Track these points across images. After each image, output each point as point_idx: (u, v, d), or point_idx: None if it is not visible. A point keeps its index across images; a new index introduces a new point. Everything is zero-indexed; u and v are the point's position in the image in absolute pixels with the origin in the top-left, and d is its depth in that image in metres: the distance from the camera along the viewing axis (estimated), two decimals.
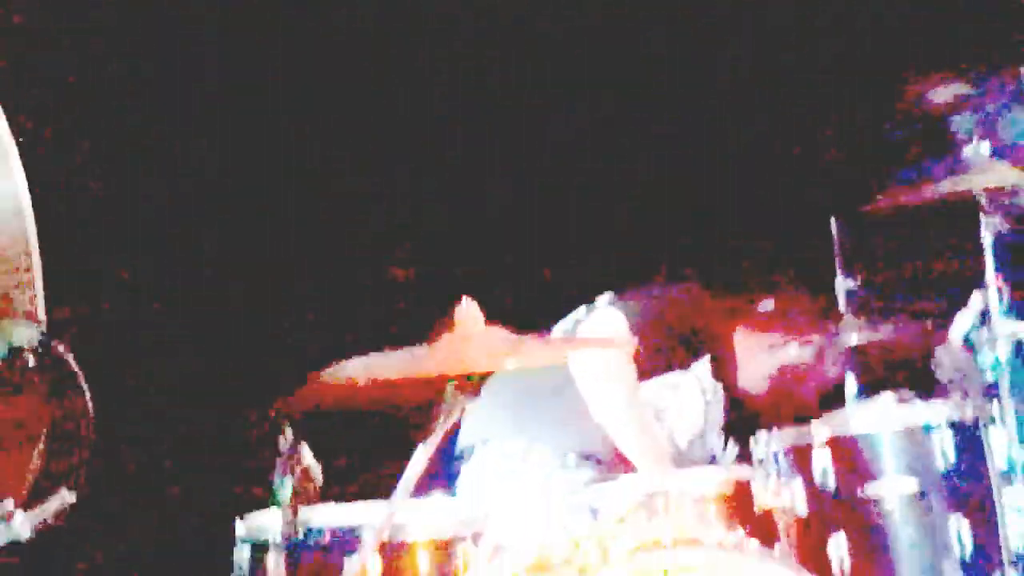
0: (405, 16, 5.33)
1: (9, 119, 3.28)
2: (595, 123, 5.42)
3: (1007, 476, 4.18)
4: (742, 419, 4.64)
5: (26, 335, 2.26)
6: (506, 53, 5.43)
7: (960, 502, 3.98)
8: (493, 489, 4.37)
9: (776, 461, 4.06)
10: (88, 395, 2.17)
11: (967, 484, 3.99)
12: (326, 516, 3.81)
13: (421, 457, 3.61)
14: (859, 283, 4.77)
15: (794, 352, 4.66)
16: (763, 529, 3.93)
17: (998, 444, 4.13)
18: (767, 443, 4.09)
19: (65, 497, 2.25)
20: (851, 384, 4.75)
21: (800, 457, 4.02)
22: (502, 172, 5.30)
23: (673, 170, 5.45)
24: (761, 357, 4.68)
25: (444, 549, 3.84)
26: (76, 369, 2.15)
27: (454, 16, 5.35)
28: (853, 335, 4.69)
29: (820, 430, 4.01)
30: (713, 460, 4.67)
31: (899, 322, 4.65)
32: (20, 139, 3.30)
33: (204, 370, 4.87)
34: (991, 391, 4.18)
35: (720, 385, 4.66)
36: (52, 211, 4.20)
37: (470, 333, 3.65)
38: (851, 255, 4.82)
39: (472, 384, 3.61)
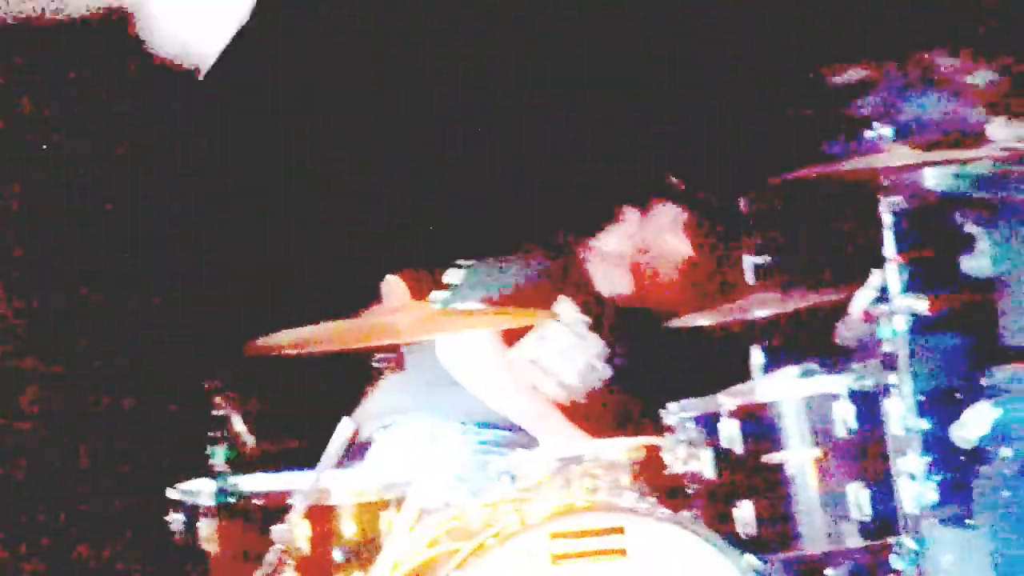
0: (405, 15, 5.39)
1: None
2: (595, 123, 5.51)
3: (902, 444, 4.34)
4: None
5: None
6: (506, 53, 5.50)
7: (859, 469, 4.18)
8: (408, 457, 4.51)
9: (685, 429, 4.24)
10: None
11: (866, 452, 4.20)
12: (256, 483, 3.94)
13: (347, 427, 3.76)
14: (766, 258, 4.92)
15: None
16: (673, 494, 4.11)
17: (895, 414, 4.31)
18: (677, 412, 4.27)
19: None
20: (757, 356, 4.92)
21: (709, 425, 4.20)
22: (501, 172, 5.39)
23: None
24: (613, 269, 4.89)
25: (368, 514, 3.97)
26: None
27: (454, 15, 5.43)
28: (759, 309, 4.86)
29: (728, 400, 4.19)
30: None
31: (802, 296, 4.82)
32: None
33: (139, 341, 4.93)
34: (889, 363, 4.33)
35: (585, 318, 4.85)
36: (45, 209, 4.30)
37: (396, 307, 3.79)
38: (759, 231, 4.97)
39: (396, 357, 3.75)
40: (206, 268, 5.08)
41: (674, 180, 4.97)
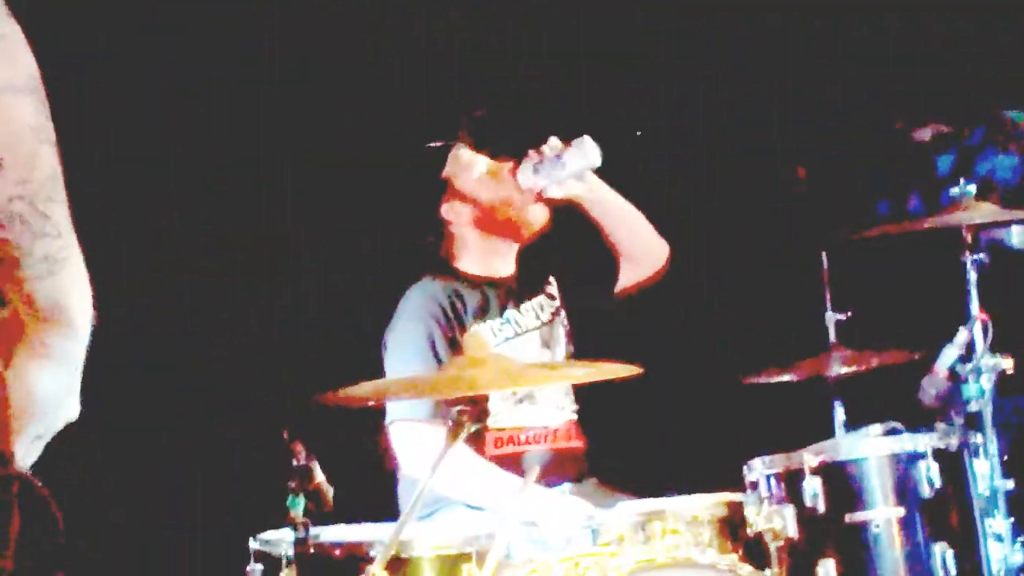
0: None
1: None
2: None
3: (989, 505, 4.30)
4: None
5: None
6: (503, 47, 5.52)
7: (944, 529, 4.13)
8: (487, 510, 4.49)
9: (768, 486, 4.21)
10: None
11: (951, 512, 4.15)
12: (336, 534, 3.94)
13: (428, 479, 3.75)
14: (847, 315, 4.89)
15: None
16: (754, 552, 4.07)
17: (981, 473, 4.27)
18: (760, 468, 4.24)
19: None
20: (839, 414, 4.89)
21: (791, 482, 4.17)
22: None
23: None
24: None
25: (449, 567, 3.96)
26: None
27: None
28: (841, 366, 4.83)
29: (811, 457, 4.16)
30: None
31: (886, 354, 4.79)
32: None
33: (220, 390, 4.95)
34: (974, 422, 4.30)
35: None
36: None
37: (478, 358, 3.79)
38: (840, 287, 4.95)
39: (477, 409, 3.73)
40: (288, 317, 5.11)
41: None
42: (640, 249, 4.83)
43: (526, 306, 4.76)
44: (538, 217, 4.73)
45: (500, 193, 4.73)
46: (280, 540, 3.88)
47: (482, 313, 4.65)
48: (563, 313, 4.80)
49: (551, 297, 4.82)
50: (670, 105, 5.62)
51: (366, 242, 5.24)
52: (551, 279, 4.84)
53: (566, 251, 4.86)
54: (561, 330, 4.79)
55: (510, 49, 5.49)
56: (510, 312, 4.72)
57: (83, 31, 4.77)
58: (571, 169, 4.55)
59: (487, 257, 4.77)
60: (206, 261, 5.07)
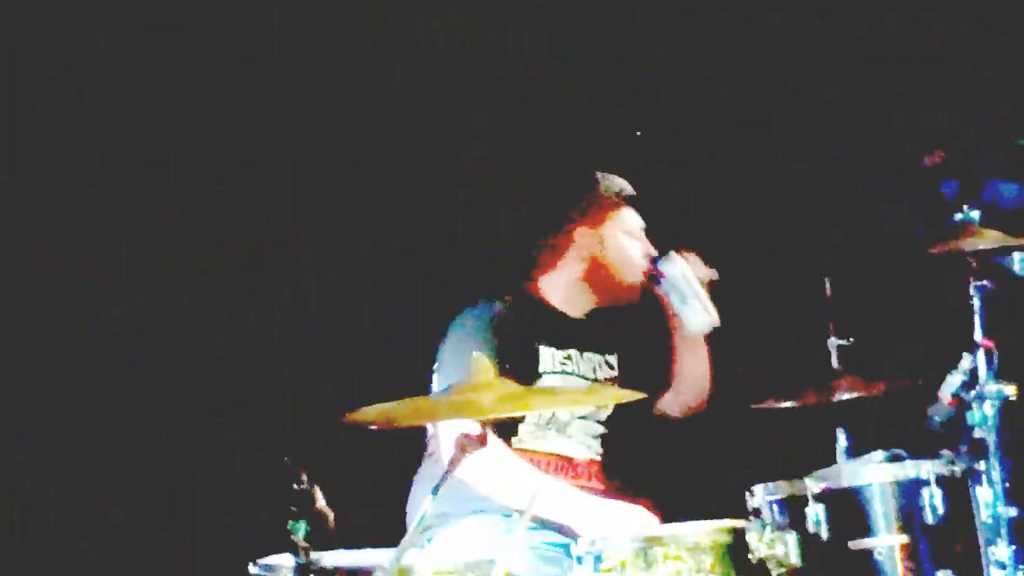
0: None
1: None
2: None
3: (992, 532, 4.28)
4: None
5: None
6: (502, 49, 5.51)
7: (948, 556, 4.11)
8: (487, 536, 4.48)
9: (771, 512, 4.19)
10: None
11: (955, 539, 4.13)
12: (338, 559, 3.92)
13: (429, 504, 3.73)
14: (850, 341, 4.88)
15: None
16: None
17: (984, 501, 4.25)
18: (763, 494, 4.22)
19: None
20: (842, 440, 4.87)
21: (794, 509, 4.15)
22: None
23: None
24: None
25: None
26: None
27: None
28: (844, 393, 4.82)
29: (814, 483, 4.14)
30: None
31: (890, 380, 4.77)
32: None
33: (221, 414, 4.94)
34: (979, 449, 4.29)
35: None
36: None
37: (482, 383, 3.77)
38: (843, 314, 4.94)
39: (480, 435, 3.71)
40: (291, 341, 5.09)
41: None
42: (690, 387, 4.90)
43: (588, 355, 4.80)
44: (636, 295, 4.78)
45: (631, 261, 4.78)
46: (280, 565, 3.87)
47: (548, 339, 4.67)
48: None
49: (610, 367, 4.84)
50: (670, 105, 5.61)
51: (366, 242, 5.24)
52: (616, 354, 4.87)
53: (633, 341, 4.89)
54: None
55: (510, 49, 5.48)
56: (573, 351, 4.75)
57: (83, 31, 4.76)
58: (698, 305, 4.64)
59: (572, 295, 4.81)
60: (206, 261, 5.06)
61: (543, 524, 4.46)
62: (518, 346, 4.58)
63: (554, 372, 4.66)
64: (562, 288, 4.81)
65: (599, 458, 4.78)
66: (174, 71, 5.02)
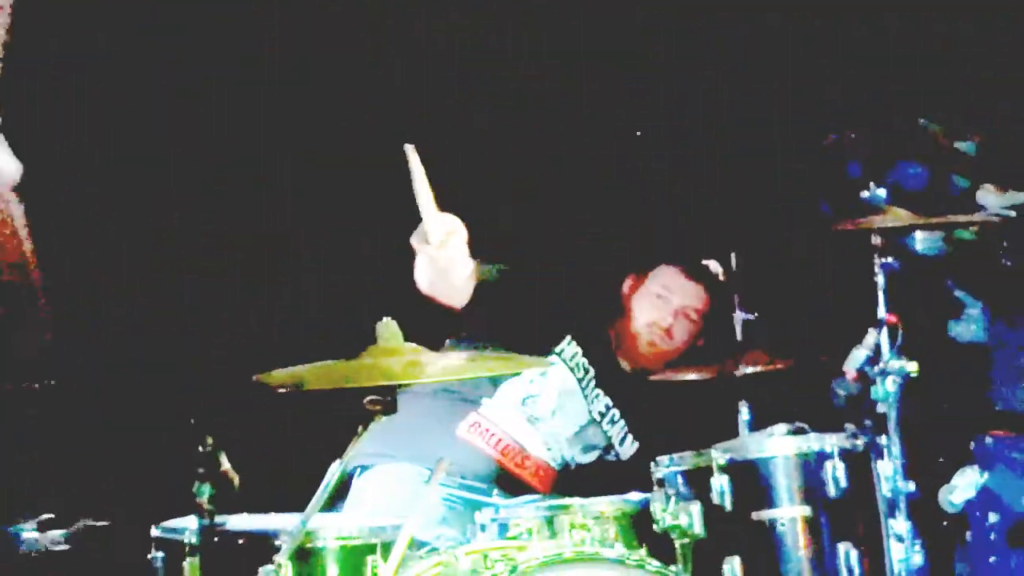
0: None
1: None
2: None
3: (891, 506, 4.33)
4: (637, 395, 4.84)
5: None
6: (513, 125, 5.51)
7: (849, 529, 4.15)
8: (388, 501, 4.48)
9: (675, 483, 4.21)
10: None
11: (857, 512, 4.17)
12: (242, 523, 3.89)
13: (336, 470, 3.72)
14: (755, 314, 4.91)
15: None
16: (661, 549, 4.07)
17: (885, 475, 4.29)
18: (667, 465, 4.24)
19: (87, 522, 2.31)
20: (744, 413, 4.90)
21: (698, 480, 4.17)
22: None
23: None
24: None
25: (354, 557, 3.93)
26: None
27: None
28: (748, 366, 4.85)
29: (719, 455, 4.16)
30: (609, 448, 4.85)
31: (794, 355, 4.81)
32: None
33: (127, 375, 4.89)
34: (882, 424, 4.33)
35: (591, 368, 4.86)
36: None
37: (390, 348, 3.76)
38: (748, 288, 4.97)
39: (388, 401, 3.70)
40: (201, 304, 5.05)
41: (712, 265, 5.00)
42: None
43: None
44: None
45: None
46: (184, 527, 3.84)
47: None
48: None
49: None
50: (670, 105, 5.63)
51: (366, 242, 5.22)
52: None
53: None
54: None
55: (510, 49, 5.47)
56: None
57: (83, 31, 4.71)
58: None
59: None
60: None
61: (460, 480, 4.50)
62: None
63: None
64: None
65: (555, 466, 4.82)
66: (173, 71, 4.98)
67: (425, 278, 4.40)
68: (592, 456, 4.91)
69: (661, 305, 4.96)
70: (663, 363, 4.96)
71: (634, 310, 4.98)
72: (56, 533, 2.88)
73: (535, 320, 4.72)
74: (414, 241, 4.20)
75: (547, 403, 4.83)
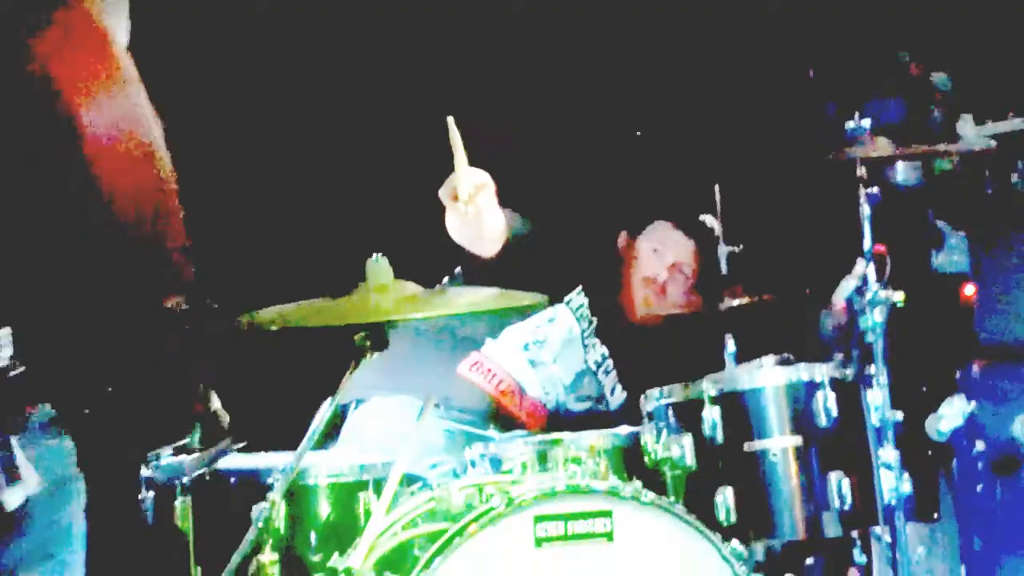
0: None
1: None
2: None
3: (880, 435, 4.34)
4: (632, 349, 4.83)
5: None
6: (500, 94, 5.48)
7: (840, 458, 4.16)
8: (383, 435, 4.47)
9: (666, 416, 4.21)
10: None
11: (847, 441, 4.18)
12: (233, 462, 3.88)
13: (327, 408, 3.71)
14: (740, 246, 4.90)
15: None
16: (653, 482, 4.07)
17: (874, 405, 4.30)
18: (657, 398, 4.24)
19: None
20: (730, 346, 4.90)
21: (689, 413, 4.17)
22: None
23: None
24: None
25: (346, 495, 3.93)
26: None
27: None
28: (733, 299, 4.84)
29: (710, 386, 4.16)
30: (601, 398, 4.85)
31: (780, 287, 4.80)
32: None
33: (115, 318, 4.84)
34: (870, 354, 4.33)
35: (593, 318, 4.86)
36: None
37: (380, 285, 3.74)
38: (733, 221, 4.96)
39: (379, 337, 3.69)
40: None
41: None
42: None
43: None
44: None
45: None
46: (175, 466, 3.81)
47: None
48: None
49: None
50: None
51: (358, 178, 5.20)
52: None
53: None
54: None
55: (510, 49, 5.44)
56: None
57: None
58: None
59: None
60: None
61: (459, 411, 4.51)
62: None
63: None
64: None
65: (548, 409, 4.82)
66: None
67: (455, 230, 4.41)
68: (585, 405, 4.91)
69: (655, 260, 4.94)
70: (658, 319, 4.95)
71: (629, 266, 4.96)
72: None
73: (551, 270, 4.71)
74: (442, 195, 4.25)
75: (550, 350, 4.83)
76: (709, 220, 4.96)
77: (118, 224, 2.21)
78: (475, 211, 4.29)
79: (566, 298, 4.86)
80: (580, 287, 4.88)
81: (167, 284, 2.22)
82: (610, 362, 4.88)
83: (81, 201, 2.22)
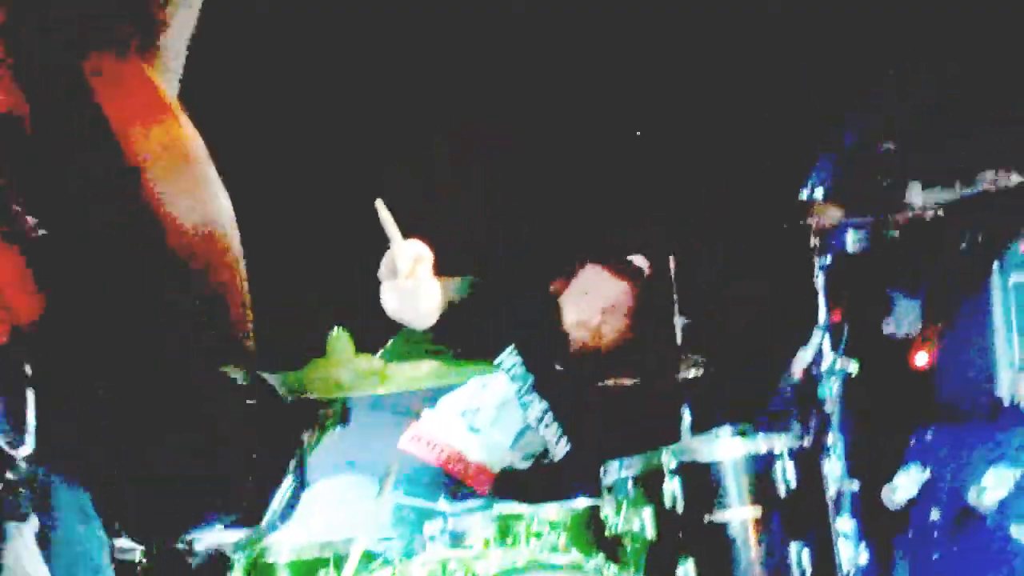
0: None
1: None
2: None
3: (837, 506, 4.35)
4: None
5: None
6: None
7: (800, 528, 4.16)
8: (340, 514, 4.44)
9: (625, 489, 4.20)
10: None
11: (807, 511, 4.19)
12: (196, 538, 3.84)
13: (290, 483, 3.68)
14: (695, 320, 4.91)
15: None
16: (614, 554, 4.06)
17: (831, 474, 4.31)
18: (617, 470, 4.24)
19: None
20: (686, 417, 4.90)
21: (649, 484, 4.17)
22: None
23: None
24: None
25: (306, 572, 3.91)
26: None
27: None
28: (689, 370, 4.84)
29: (670, 458, 4.16)
30: (546, 453, 4.84)
31: (733, 358, 4.82)
32: None
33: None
34: (826, 423, 4.35)
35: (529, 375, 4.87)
36: None
37: (340, 360, 3.73)
38: (689, 292, 4.97)
39: (340, 411, 3.68)
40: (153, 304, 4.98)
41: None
42: None
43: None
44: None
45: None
46: (134, 546, 3.78)
47: None
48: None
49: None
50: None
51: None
52: None
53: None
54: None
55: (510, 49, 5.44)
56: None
57: None
58: None
59: None
60: None
61: (407, 486, 4.48)
62: None
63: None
64: None
65: (496, 472, 4.81)
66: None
67: (392, 307, 4.40)
68: (529, 463, 4.91)
69: (588, 304, 4.96)
70: (595, 363, 4.95)
71: (563, 311, 4.98)
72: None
73: (481, 332, 4.71)
74: (382, 274, 4.25)
75: (486, 415, 4.83)
76: (639, 260, 4.98)
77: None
78: (413, 284, 4.28)
79: (496, 361, 4.86)
80: (511, 347, 4.89)
81: (227, 351, 2.21)
82: (551, 415, 4.88)
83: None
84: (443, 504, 4.38)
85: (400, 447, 4.74)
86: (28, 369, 2.10)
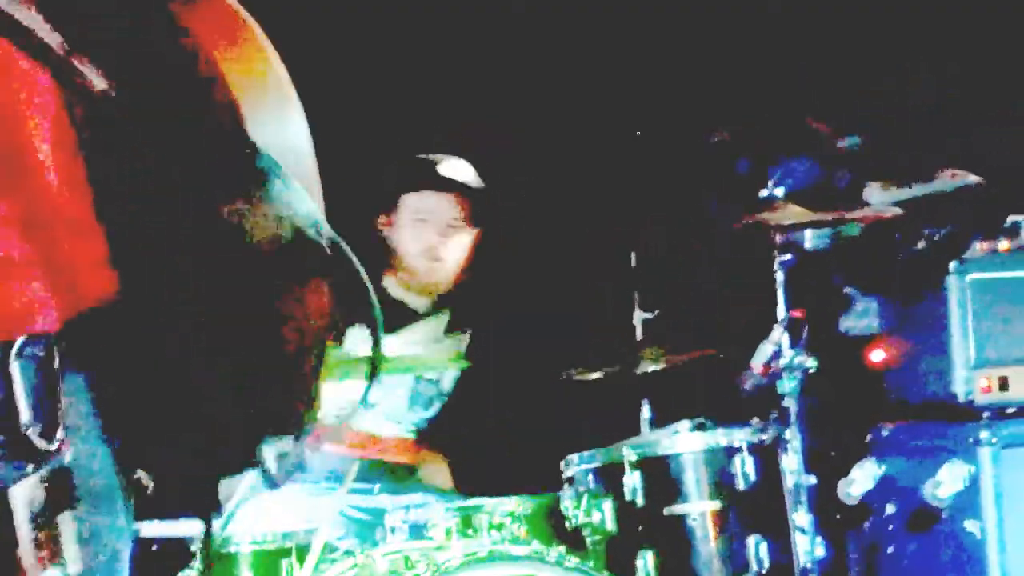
0: None
1: None
2: None
3: (794, 499, 4.39)
4: None
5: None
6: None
7: (759, 521, 4.21)
8: (302, 504, 4.45)
9: (586, 481, 4.24)
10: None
11: (765, 505, 4.23)
12: (156, 529, 3.84)
13: (251, 474, 3.69)
14: (655, 314, 4.95)
15: None
16: (574, 546, 4.10)
17: (789, 469, 4.36)
18: (578, 463, 4.27)
19: None
20: (645, 411, 4.94)
21: (610, 477, 4.20)
22: None
23: None
24: None
25: (268, 562, 3.92)
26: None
27: None
28: (649, 364, 4.88)
29: (631, 451, 4.20)
30: (441, 393, 4.90)
31: (695, 352, 4.85)
32: None
33: None
34: (785, 418, 4.39)
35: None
36: None
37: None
38: (649, 287, 5.01)
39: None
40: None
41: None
42: None
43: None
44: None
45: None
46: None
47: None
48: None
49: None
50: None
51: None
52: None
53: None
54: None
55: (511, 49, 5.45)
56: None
57: None
58: None
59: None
60: None
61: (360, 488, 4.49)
62: None
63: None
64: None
65: (411, 434, 4.81)
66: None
67: None
68: (436, 407, 4.87)
69: (424, 229, 4.84)
70: (450, 282, 4.89)
71: (399, 245, 4.85)
72: None
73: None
74: None
75: (374, 394, 4.73)
76: (458, 171, 4.87)
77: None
78: None
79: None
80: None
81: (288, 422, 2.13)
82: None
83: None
84: (383, 497, 4.40)
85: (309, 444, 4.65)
86: (57, 361, 2.02)
